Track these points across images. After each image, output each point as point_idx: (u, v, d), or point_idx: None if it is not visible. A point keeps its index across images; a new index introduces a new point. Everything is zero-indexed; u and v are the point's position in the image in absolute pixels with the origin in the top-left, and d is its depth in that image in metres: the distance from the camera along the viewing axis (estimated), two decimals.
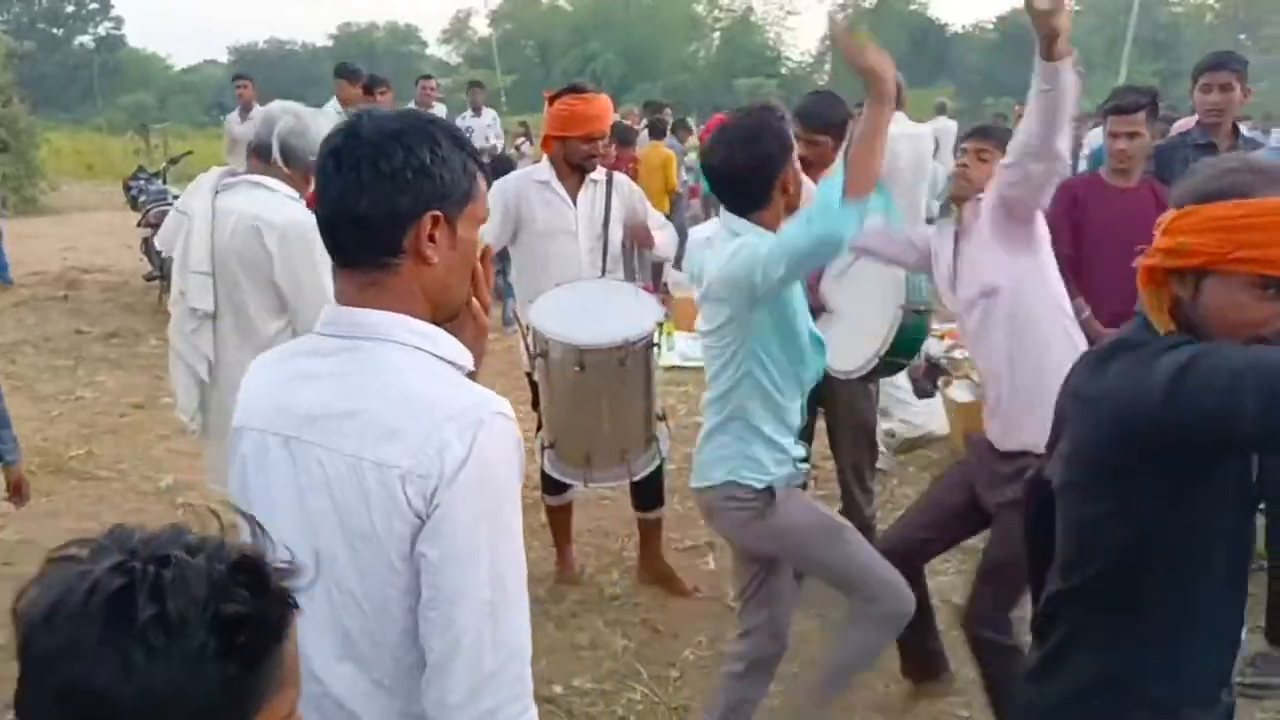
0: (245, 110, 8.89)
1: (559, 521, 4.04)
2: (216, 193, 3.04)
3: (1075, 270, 3.90)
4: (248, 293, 3.00)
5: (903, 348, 3.27)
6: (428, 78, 9.98)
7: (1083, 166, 7.39)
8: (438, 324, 1.35)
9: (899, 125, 4.69)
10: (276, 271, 2.94)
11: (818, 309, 3.25)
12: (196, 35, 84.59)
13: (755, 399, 2.53)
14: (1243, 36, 38.66)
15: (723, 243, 2.48)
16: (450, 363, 1.32)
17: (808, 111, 3.65)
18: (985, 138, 2.99)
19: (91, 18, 52.51)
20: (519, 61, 46.24)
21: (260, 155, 3.02)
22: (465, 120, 10.69)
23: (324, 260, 2.89)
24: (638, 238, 3.81)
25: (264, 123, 3.07)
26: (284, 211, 2.94)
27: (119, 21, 53.05)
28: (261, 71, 42.47)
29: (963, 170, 2.95)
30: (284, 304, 3.01)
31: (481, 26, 51.02)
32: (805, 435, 2.85)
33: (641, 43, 47.42)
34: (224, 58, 53.06)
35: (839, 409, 3.77)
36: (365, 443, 1.25)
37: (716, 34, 53.71)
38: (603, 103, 3.75)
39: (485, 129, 10.58)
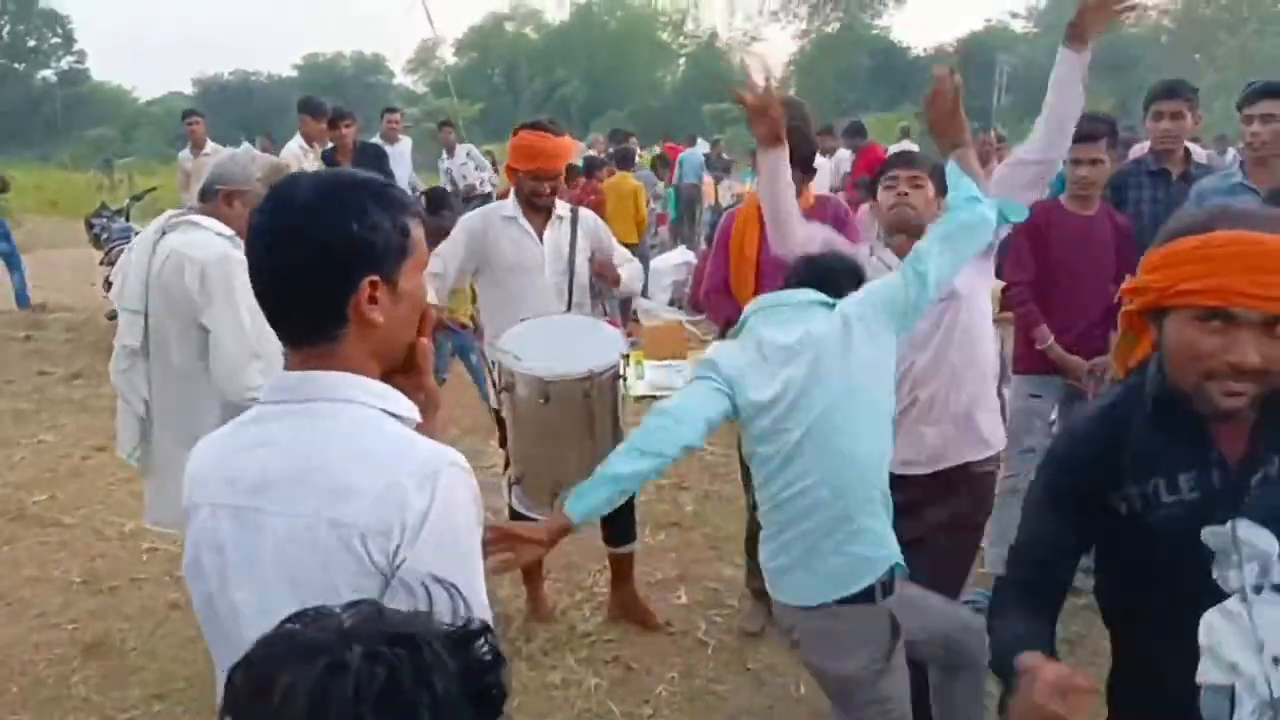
0: (197, 147, 8.82)
1: None
2: (164, 232, 3.07)
3: (1038, 296, 3.94)
4: (170, 333, 3.02)
5: None
6: (393, 110, 9.92)
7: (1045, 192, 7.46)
8: (387, 372, 1.34)
9: None
10: (198, 308, 2.94)
11: None
12: (161, 67, 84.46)
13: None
14: (1197, 56, 39.37)
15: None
16: (400, 417, 1.31)
17: None
18: (914, 164, 2.92)
19: (54, 51, 52.05)
20: (486, 90, 46.36)
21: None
22: (443, 163, 10.71)
23: (244, 296, 2.89)
24: (604, 277, 3.81)
25: None
26: (206, 247, 2.96)
27: (82, 55, 52.71)
28: (227, 103, 42.42)
29: (902, 199, 2.87)
30: (205, 346, 2.99)
31: (449, 55, 51.14)
32: None
33: (607, 70, 47.69)
34: (189, 89, 52.83)
35: None
36: (321, 503, 1.23)
37: (682, 60, 54.14)
38: (559, 144, 3.72)
39: (460, 168, 10.55)
